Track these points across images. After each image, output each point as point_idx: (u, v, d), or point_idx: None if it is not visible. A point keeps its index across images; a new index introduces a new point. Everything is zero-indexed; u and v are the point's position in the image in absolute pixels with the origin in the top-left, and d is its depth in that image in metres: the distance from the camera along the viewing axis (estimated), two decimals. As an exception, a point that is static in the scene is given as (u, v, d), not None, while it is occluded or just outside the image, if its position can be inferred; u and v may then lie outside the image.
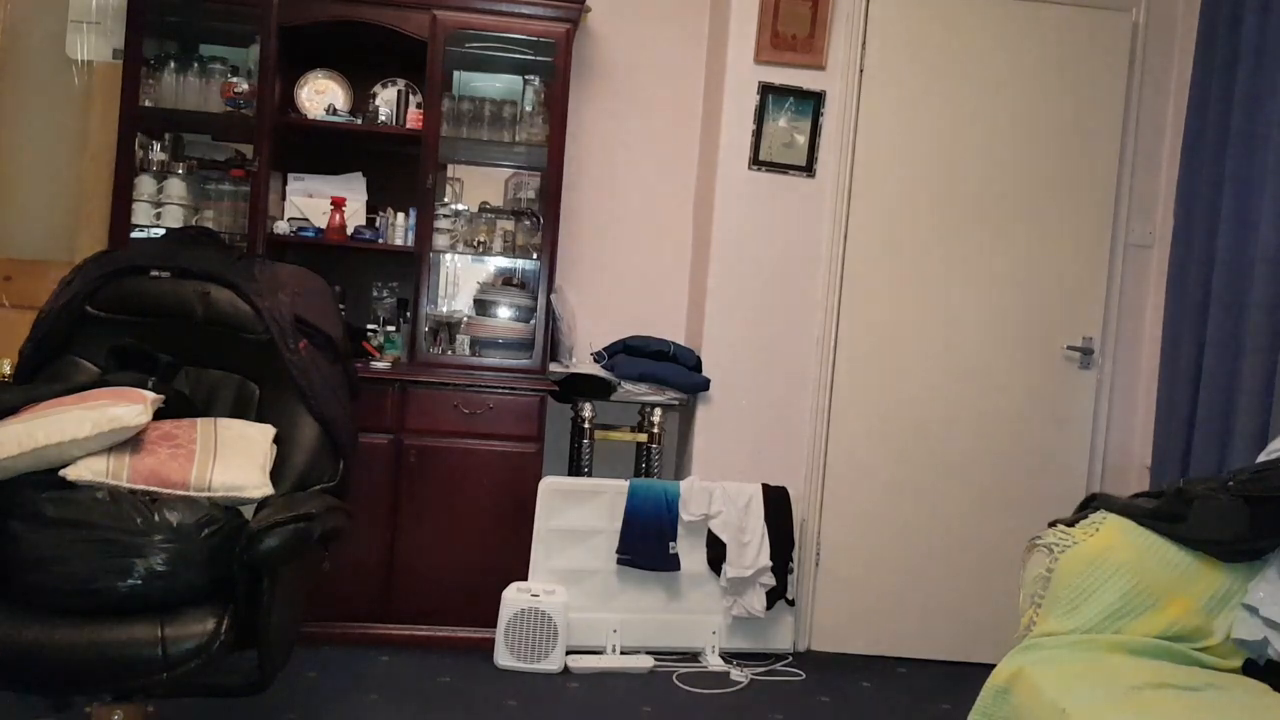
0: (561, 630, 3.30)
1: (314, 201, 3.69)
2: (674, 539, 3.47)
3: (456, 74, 3.82)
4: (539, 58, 3.71)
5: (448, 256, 3.86)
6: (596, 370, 3.64)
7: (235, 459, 2.35)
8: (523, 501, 3.43)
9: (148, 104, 3.50)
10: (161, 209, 3.55)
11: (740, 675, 3.38)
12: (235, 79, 3.56)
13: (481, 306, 3.82)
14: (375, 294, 3.77)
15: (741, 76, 3.65)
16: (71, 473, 2.20)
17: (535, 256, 3.67)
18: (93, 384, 2.47)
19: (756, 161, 3.67)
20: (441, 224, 3.62)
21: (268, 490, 2.35)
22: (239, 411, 2.66)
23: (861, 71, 3.66)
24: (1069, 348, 3.73)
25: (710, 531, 3.49)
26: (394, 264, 3.73)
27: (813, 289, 3.71)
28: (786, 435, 3.72)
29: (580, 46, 3.84)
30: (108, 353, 2.59)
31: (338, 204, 3.62)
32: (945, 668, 3.65)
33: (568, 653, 3.34)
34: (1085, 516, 2.41)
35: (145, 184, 3.53)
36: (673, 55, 4.03)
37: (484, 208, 3.81)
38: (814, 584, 3.72)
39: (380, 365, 3.49)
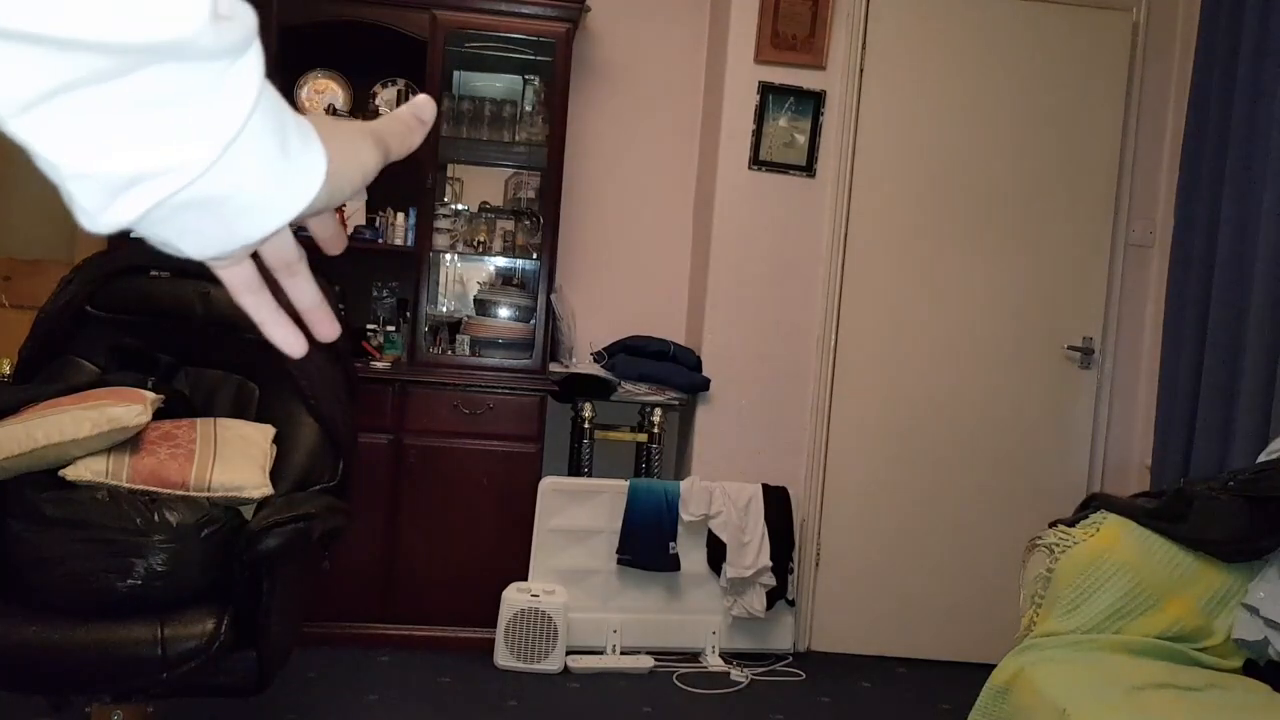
0: (561, 630, 3.30)
1: (314, 201, 3.69)
2: (674, 539, 3.46)
3: (456, 74, 3.82)
4: (539, 58, 3.71)
5: (448, 256, 3.85)
6: (596, 370, 3.64)
7: (235, 459, 2.35)
8: (523, 501, 3.43)
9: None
10: (162, 209, 3.55)
11: (740, 675, 3.38)
12: (235, 79, 3.55)
13: (481, 306, 3.82)
14: (375, 294, 3.77)
15: (741, 76, 3.65)
16: (71, 473, 2.20)
17: (535, 256, 3.67)
18: (93, 384, 2.47)
19: (756, 161, 3.67)
20: (441, 224, 3.62)
21: (267, 490, 2.35)
22: (239, 411, 2.66)
23: (861, 71, 3.66)
24: (1069, 348, 3.72)
25: (710, 531, 3.48)
26: (394, 264, 3.73)
27: (813, 289, 3.70)
28: (786, 435, 3.72)
29: (580, 46, 3.84)
30: (108, 353, 2.59)
31: (338, 204, 3.61)
32: (945, 668, 3.65)
33: (568, 653, 3.34)
34: (1085, 516, 2.41)
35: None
36: (673, 55, 4.03)
37: (484, 208, 3.81)
38: (814, 584, 3.72)
39: (380, 365, 3.49)
